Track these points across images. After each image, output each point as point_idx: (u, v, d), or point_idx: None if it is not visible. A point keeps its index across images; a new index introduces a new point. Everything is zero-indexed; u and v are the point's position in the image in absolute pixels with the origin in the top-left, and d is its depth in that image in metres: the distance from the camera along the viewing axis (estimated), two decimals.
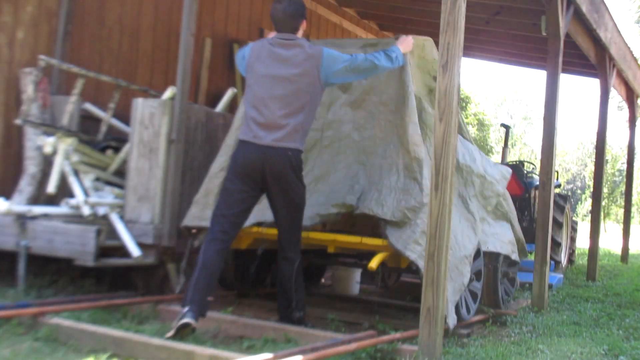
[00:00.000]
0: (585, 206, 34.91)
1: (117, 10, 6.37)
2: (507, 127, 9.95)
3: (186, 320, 3.76)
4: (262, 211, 4.46)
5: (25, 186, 5.23)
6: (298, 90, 4.05)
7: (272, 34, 4.26)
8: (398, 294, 6.14)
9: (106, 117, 5.45)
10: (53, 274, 5.02)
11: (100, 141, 5.38)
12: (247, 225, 4.46)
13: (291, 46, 4.10)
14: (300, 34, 4.21)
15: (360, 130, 4.58)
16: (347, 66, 4.11)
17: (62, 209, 4.99)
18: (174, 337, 3.69)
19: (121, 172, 5.29)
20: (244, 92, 4.21)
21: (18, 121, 4.99)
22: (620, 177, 31.66)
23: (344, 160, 4.56)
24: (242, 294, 5.32)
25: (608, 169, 29.79)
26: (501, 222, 5.49)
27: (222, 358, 3.29)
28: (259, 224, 4.66)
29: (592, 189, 9.71)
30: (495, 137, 36.83)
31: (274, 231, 4.87)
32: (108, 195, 5.10)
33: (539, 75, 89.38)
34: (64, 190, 5.09)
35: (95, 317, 4.10)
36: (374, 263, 4.23)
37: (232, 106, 7.26)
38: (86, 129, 5.36)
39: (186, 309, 3.84)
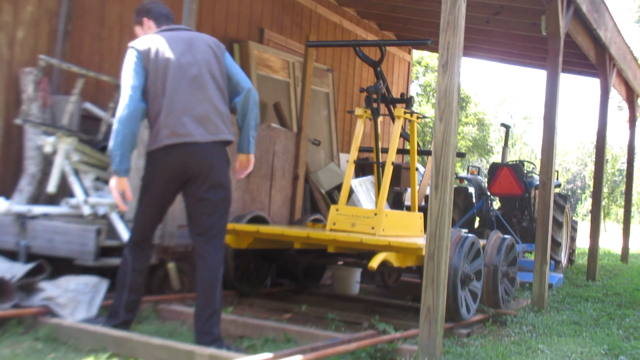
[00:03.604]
0: (585, 206, 34.90)
1: (117, 10, 6.36)
2: (507, 127, 9.96)
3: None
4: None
5: (25, 186, 5.23)
6: None
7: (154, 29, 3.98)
8: (398, 293, 6.14)
9: (106, 116, 5.45)
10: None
11: (100, 141, 5.38)
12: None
13: None
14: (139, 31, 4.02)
15: None
16: None
17: (62, 208, 4.99)
18: None
19: None
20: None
21: (18, 121, 4.98)
22: (620, 177, 31.66)
23: None
24: (242, 293, 5.32)
25: (608, 168, 29.80)
26: None
27: (222, 358, 3.29)
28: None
29: (592, 189, 9.71)
30: (495, 137, 36.83)
31: (273, 230, 4.88)
32: (108, 195, 5.10)
33: (539, 75, 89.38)
34: (64, 190, 5.09)
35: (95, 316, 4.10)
36: (374, 263, 4.23)
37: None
38: (86, 129, 5.36)
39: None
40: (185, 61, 3.72)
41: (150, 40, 3.77)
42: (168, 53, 3.72)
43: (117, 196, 3.71)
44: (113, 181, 3.70)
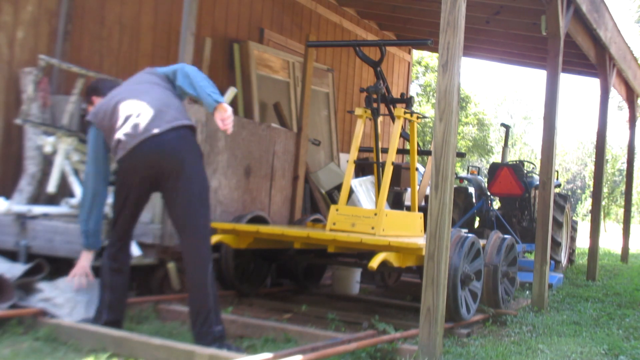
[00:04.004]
0: (585, 206, 34.92)
1: (117, 10, 6.37)
2: (507, 127, 9.95)
3: None
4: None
5: (25, 186, 5.23)
6: None
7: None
8: (398, 293, 6.14)
9: None
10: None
11: None
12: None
13: None
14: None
15: None
16: None
17: (62, 208, 4.98)
18: None
19: None
20: None
21: (18, 121, 4.99)
22: (620, 177, 31.67)
23: None
24: (242, 293, 5.31)
25: (608, 168, 29.81)
26: None
27: (222, 358, 3.29)
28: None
29: (592, 189, 9.71)
30: (495, 137, 36.83)
31: (273, 230, 4.88)
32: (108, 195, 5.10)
33: (539, 75, 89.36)
34: (64, 190, 5.09)
35: None
36: (374, 263, 4.23)
37: (233, 106, 7.26)
38: (86, 129, 5.35)
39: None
40: (125, 90, 3.94)
41: (96, 108, 3.98)
42: (113, 97, 3.93)
43: (76, 276, 4.03)
44: (83, 258, 4.04)
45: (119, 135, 3.74)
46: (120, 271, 3.90)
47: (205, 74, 3.99)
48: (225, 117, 3.77)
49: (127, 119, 3.75)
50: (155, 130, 3.68)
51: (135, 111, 3.76)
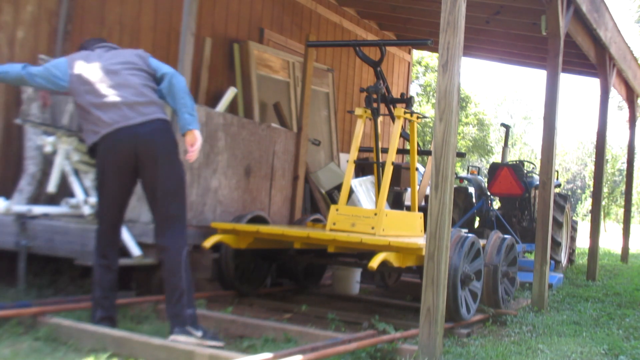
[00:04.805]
0: (585, 206, 34.94)
1: (117, 10, 6.36)
2: (507, 127, 9.95)
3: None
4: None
5: (25, 186, 5.23)
6: None
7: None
8: (398, 293, 6.14)
9: None
10: (53, 273, 5.02)
11: None
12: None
13: None
14: None
15: None
16: None
17: (62, 208, 4.98)
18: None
19: None
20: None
21: (18, 121, 4.98)
22: (620, 177, 31.69)
23: None
24: (242, 293, 5.32)
25: (608, 168, 29.83)
26: None
27: (222, 358, 3.29)
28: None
29: (592, 189, 9.71)
30: (495, 137, 36.84)
31: (273, 230, 4.88)
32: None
33: (539, 75, 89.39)
34: (64, 190, 5.09)
35: None
36: (374, 263, 4.23)
37: (232, 106, 7.27)
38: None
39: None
40: (109, 64, 3.95)
41: (83, 53, 4.05)
42: (94, 60, 3.96)
43: None
44: None
45: (94, 117, 3.79)
46: (110, 268, 3.93)
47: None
48: (194, 149, 3.89)
49: (103, 103, 3.80)
50: (131, 121, 3.76)
51: (112, 97, 3.81)
